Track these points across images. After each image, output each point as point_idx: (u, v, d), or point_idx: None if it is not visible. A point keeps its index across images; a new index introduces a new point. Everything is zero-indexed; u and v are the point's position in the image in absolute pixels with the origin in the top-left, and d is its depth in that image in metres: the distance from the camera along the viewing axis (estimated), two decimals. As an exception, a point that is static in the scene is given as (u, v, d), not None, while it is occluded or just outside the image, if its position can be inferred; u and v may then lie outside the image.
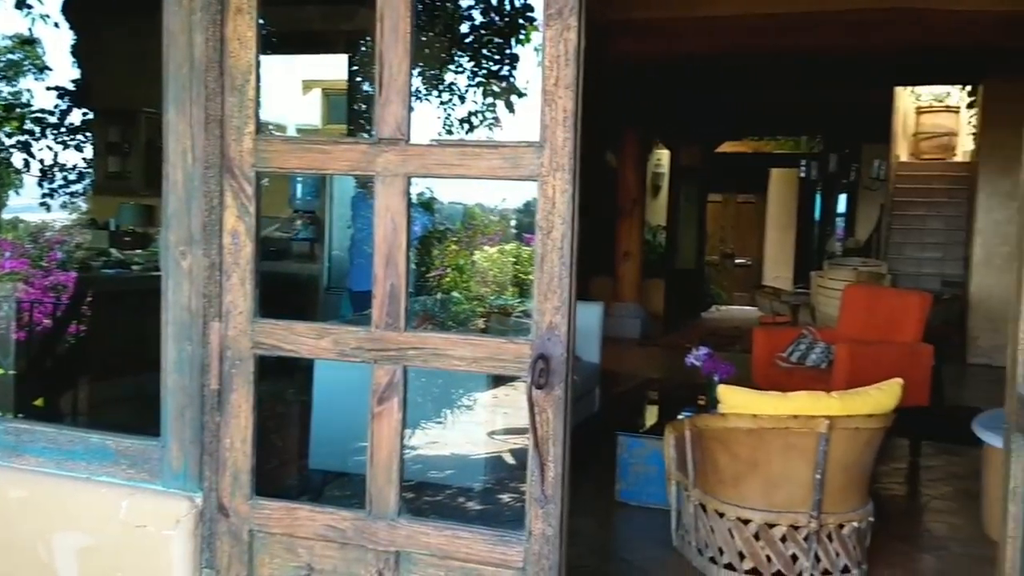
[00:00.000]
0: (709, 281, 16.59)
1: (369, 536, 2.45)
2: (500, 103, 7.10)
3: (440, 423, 5.75)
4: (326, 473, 4.60)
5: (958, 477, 5.61)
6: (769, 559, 3.75)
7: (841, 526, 3.79)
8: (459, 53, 7.14)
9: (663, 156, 14.48)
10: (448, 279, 8.71)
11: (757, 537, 3.76)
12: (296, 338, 2.51)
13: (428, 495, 4.81)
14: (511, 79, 6.97)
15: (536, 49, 6.90)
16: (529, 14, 7.04)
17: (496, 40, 7.06)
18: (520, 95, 6.93)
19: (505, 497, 4.99)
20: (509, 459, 5.73)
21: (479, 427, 6.07)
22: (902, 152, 13.33)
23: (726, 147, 16.79)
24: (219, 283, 2.54)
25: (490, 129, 7.13)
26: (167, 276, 2.58)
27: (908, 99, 13.38)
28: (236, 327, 2.53)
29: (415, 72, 2.45)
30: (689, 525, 4.04)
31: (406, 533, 2.43)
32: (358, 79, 7.26)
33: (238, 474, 2.56)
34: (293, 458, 4.56)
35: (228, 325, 2.54)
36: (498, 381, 5.68)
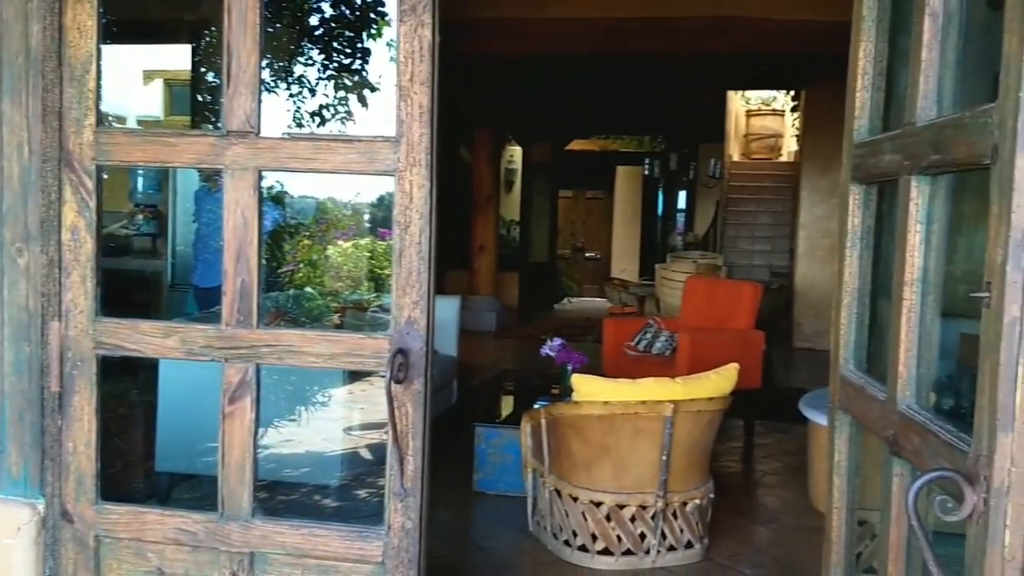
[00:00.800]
0: (561, 274, 16.97)
1: (222, 538, 2.41)
2: (352, 97, 7.03)
3: (294, 421, 5.66)
4: (174, 475, 4.45)
5: (787, 453, 6.00)
6: (620, 539, 3.92)
7: (685, 504, 4.00)
8: (309, 45, 7.01)
9: (516, 153, 14.69)
10: (301, 275, 8.54)
11: (608, 518, 3.92)
12: (141, 337, 2.43)
13: (283, 494, 4.74)
14: (363, 73, 6.91)
15: (389, 44, 6.87)
16: (380, 9, 6.99)
17: (347, 34, 6.98)
18: (373, 89, 6.88)
19: (362, 493, 4.98)
20: (366, 455, 5.71)
21: (335, 424, 6.01)
22: (735, 152, 14.06)
23: (576, 145, 17.21)
24: (58, 281, 2.43)
25: (342, 123, 7.04)
26: (2, 275, 2.45)
27: (739, 102, 14.10)
28: (77, 327, 2.43)
29: (264, 64, 2.41)
30: (545, 511, 4.16)
31: (260, 533, 2.40)
32: (202, 70, 7.01)
33: (82, 478, 2.46)
34: (139, 461, 4.39)
35: (68, 325, 2.43)
36: (354, 377, 5.64)
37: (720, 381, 4.05)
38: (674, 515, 3.97)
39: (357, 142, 2.33)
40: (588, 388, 3.95)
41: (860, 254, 2.29)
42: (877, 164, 2.12)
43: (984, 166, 1.53)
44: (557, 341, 4.77)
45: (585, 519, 3.94)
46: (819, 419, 4.51)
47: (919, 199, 1.88)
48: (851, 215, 2.31)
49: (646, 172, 17.13)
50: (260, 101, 2.35)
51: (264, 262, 2.47)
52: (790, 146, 13.86)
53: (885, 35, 2.21)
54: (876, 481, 2.07)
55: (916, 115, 1.88)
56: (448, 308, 6.36)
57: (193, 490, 4.15)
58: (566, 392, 4.51)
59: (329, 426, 5.97)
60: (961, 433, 1.58)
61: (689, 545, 4.04)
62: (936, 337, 1.90)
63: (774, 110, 14.26)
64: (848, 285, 2.31)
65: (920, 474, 1.63)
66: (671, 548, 3.98)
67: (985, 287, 1.50)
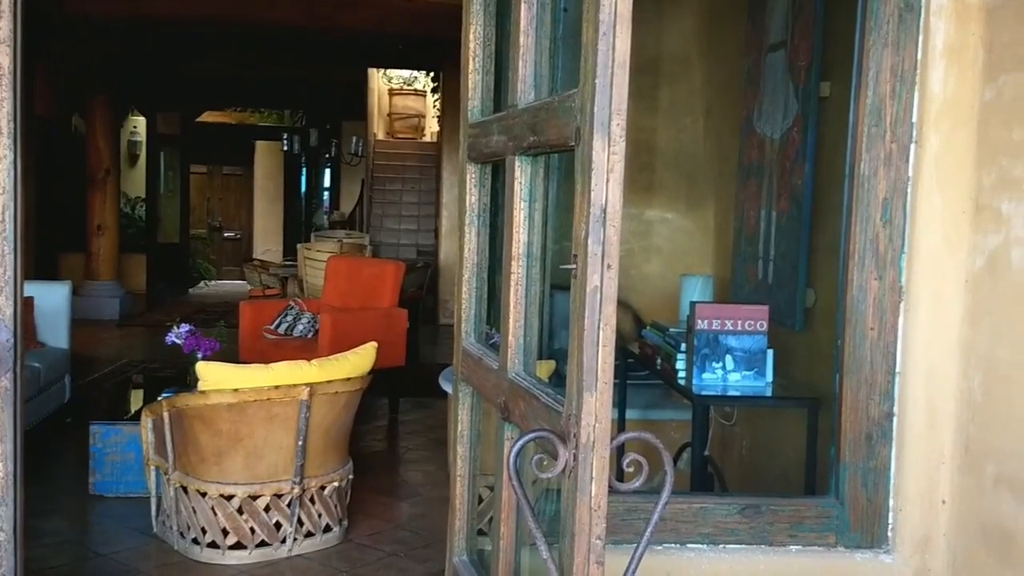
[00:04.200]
0: (196, 255, 16.08)
1: None
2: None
3: None
4: None
5: (431, 428, 6.19)
6: (253, 531, 3.78)
7: (323, 487, 3.95)
8: None
9: (140, 124, 13.61)
10: None
11: (241, 511, 3.76)
12: None
13: None
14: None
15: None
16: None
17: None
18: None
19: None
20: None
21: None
22: (379, 130, 14.19)
23: (209, 117, 16.33)
24: None
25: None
26: None
27: (381, 81, 14.25)
28: None
29: None
30: (170, 509, 3.90)
31: None
32: None
33: None
34: None
35: None
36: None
37: (358, 361, 4.04)
38: (312, 500, 3.92)
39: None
40: (215, 376, 3.75)
41: (478, 230, 2.36)
42: (488, 144, 2.19)
43: (570, 148, 1.63)
44: (185, 327, 4.48)
45: (215, 514, 3.76)
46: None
47: (522, 178, 1.97)
48: (468, 193, 2.38)
49: (285, 148, 16.72)
50: None
51: None
52: (433, 126, 14.25)
53: (492, 19, 2.29)
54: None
55: (517, 98, 1.97)
56: (56, 295, 5.73)
57: None
58: (194, 382, 4.25)
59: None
60: (559, 396, 1.69)
61: (328, 529, 4.01)
62: (537, 308, 2.01)
63: (416, 90, 14.57)
64: (468, 261, 2.38)
65: (522, 435, 1.71)
66: (309, 534, 3.93)
67: (572, 259, 1.60)
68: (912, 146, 2.41)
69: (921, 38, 2.38)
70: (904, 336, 2.43)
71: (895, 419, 2.45)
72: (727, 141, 4.27)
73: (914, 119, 2.40)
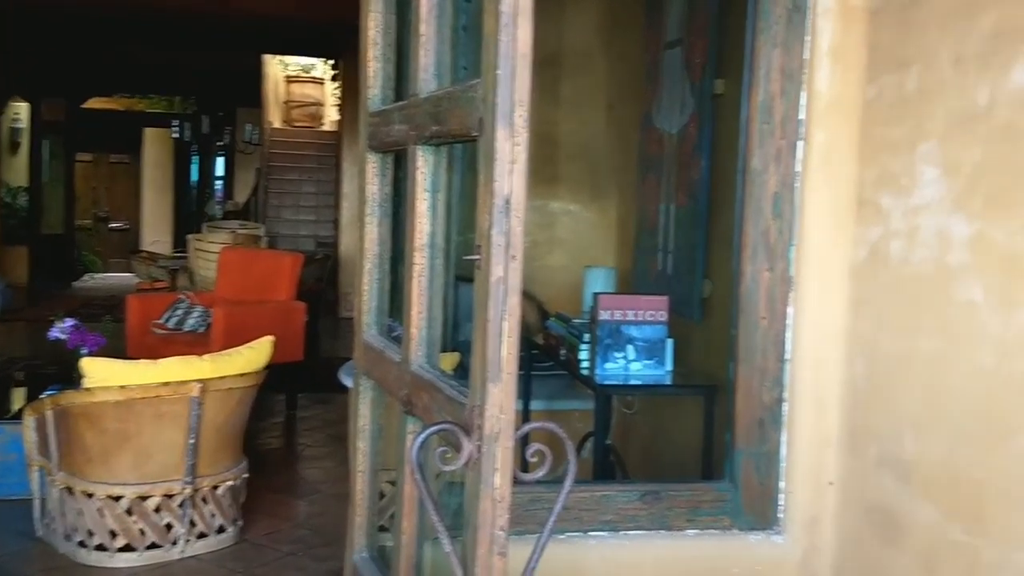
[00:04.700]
0: (81, 247, 15.41)
1: None
2: None
3: None
4: None
5: (330, 423, 6.10)
6: (143, 532, 3.66)
7: (216, 487, 3.85)
8: None
9: (22, 110, 12.95)
10: None
11: (130, 512, 3.63)
12: None
13: None
14: None
15: None
16: None
17: None
18: None
19: None
20: None
21: None
22: (275, 118, 13.87)
23: (95, 103, 15.67)
24: None
25: None
26: None
27: (278, 67, 13.93)
28: None
29: None
30: (55, 511, 3.74)
31: None
32: None
33: None
34: None
35: None
36: None
37: (253, 355, 3.95)
38: (204, 500, 3.81)
39: None
40: (101, 372, 3.60)
41: (379, 221, 2.34)
42: (389, 133, 2.17)
43: (473, 138, 1.63)
44: (68, 322, 4.29)
45: (102, 516, 3.61)
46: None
47: (425, 168, 1.96)
48: (369, 183, 2.36)
49: (175, 135, 16.16)
50: None
51: None
52: (332, 115, 14.00)
53: (392, 6, 2.27)
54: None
55: (419, 87, 1.96)
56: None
57: None
58: (79, 379, 4.08)
59: None
60: (463, 388, 1.68)
61: (222, 529, 3.91)
62: (441, 299, 2.01)
63: (314, 78, 14.29)
64: (369, 252, 2.35)
65: (425, 427, 1.70)
66: (202, 535, 3.82)
67: (477, 250, 1.60)
68: (800, 143, 2.49)
69: (808, 39, 2.46)
70: (794, 325, 2.51)
71: (785, 405, 2.53)
72: (628, 135, 4.34)
73: (802, 117, 2.48)
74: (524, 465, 1.64)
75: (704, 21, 3.51)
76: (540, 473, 1.61)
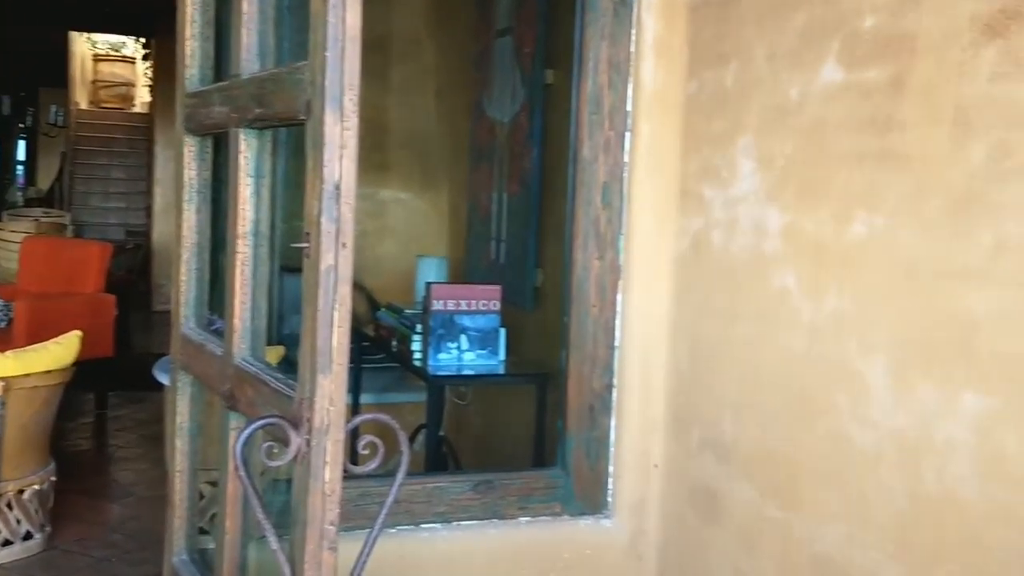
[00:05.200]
0: None
1: None
2: None
3: None
4: None
5: (144, 423, 5.78)
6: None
7: (21, 491, 3.58)
8: None
9: None
10: None
11: (-78, 524, 3.31)
12: None
13: None
14: None
15: None
16: None
17: None
18: None
19: None
20: None
21: None
22: (82, 99, 13.00)
23: None
24: None
25: None
26: None
27: (85, 46, 13.06)
28: None
29: None
30: None
31: None
32: None
33: None
34: None
35: None
36: None
37: (60, 352, 3.68)
38: (9, 506, 3.52)
39: None
40: None
41: (198, 207, 2.25)
42: (209, 115, 2.07)
43: (300, 122, 1.56)
44: None
45: None
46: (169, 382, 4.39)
47: (248, 152, 1.88)
48: (187, 167, 2.25)
49: (-31, 116, 14.90)
50: None
51: None
52: (144, 96, 13.24)
53: (211, -17, 2.16)
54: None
55: (241, 68, 1.87)
56: None
57: None
58: None
59: None
60: (291, 381, 1.62)
61: (28, 536, 3.62)
62: (265, 289, 1.93)
63: (124, 56, 13.47)
64: (187, 240, 2.25)
65: (250, 422, 1.63)
66: (7, 543, 3.53)
67: (305, 237, 1.54)
68: (627, 134, 2.55)
69: (634, 32, 2.52)
70: (623, 313, 2.58)
71: (615, 391, 2.60)
72: (459, 123, 4.33)
73: (629, 108, 2.54)
74: (355, 459, 1.59)
75: (533, 11, 3.54)
76: (372, 466, 1.57)
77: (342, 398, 1.50)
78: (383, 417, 1.60)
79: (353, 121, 1.47)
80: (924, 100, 1.78)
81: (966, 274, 1.69)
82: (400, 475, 1.62)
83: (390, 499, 1.62)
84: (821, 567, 2.02)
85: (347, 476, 1.53)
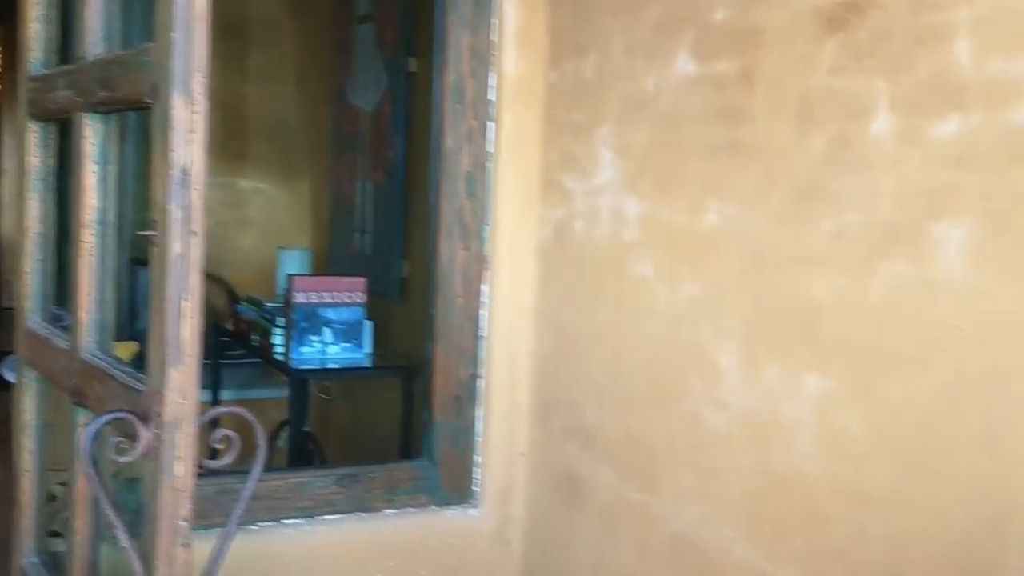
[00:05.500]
0: None
1: None
2: None
3: None
4: None
5: (-9, 425, 5.44)
6: None
7: None
8: None
9: None
10: None
11: None
12: None
13: None
14: None
15: None
16: None
17: None
18: None
19: None
20: None
21: None
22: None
23: None
24: None
25: None
26: None
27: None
28: None
29: None
30: None
31: None
32: None
33: None
34: None
35: None
36: None
37: None
38: None
39: None
40: None
41: (43, 197, 2.17)
42: (53, 100, 1.99)
43: (147, 105, 1.51)
44: None
45: None
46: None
47: (93, 137, 1.82)
48: (30, 154, 2.17)
49: None
50: None
51: None
52: None
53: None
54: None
55: (86, 50, 1.80)
56: None
57: None
58: None
59: None
60: (141, 375, 1.57)
61: None
62: (113, 281, 1.87)
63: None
64: (31, 231, 2.17)
65: (97, 417, 1.57)
66: None
67: (153, 225, 1.48)
68: (491, 124, 2.56)
69: (495, 21, 2.53)
70: (489, 303, 2.59)
71: (481, 380, 2.61)
72: (321, 111, 4.25)
73: (492, 98, 2.55)
74: (213, 454, 1.55)
75: (394, -2, 3.51)
76: (227, 460, 1.53)
77: (194, 391, 1.46)
78: (238, 410, 1.56)
79: (202, 105, 1.43)
80: (771, 92, 1.85)
81: (808, 261, 1.77)
82: (256, 469, 1.59)
83: (246, 493, 1.58)
84: (677, 547, 2.09)
85: (201, 472, 1.48)
